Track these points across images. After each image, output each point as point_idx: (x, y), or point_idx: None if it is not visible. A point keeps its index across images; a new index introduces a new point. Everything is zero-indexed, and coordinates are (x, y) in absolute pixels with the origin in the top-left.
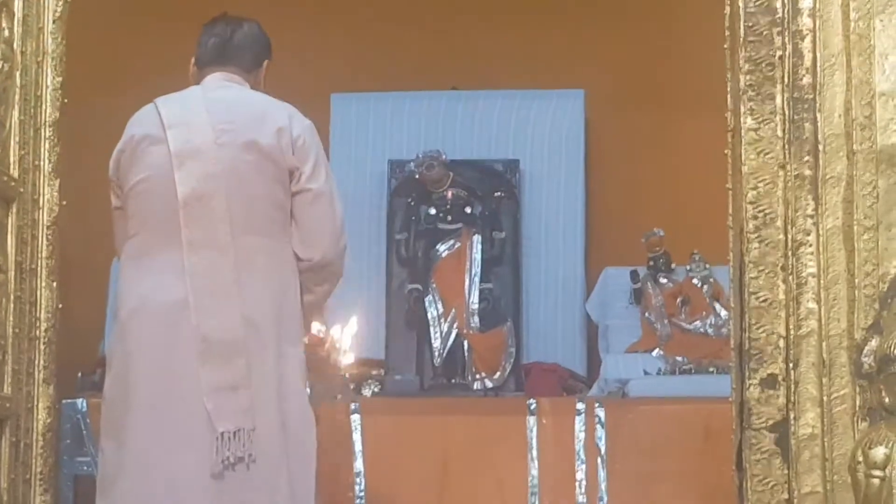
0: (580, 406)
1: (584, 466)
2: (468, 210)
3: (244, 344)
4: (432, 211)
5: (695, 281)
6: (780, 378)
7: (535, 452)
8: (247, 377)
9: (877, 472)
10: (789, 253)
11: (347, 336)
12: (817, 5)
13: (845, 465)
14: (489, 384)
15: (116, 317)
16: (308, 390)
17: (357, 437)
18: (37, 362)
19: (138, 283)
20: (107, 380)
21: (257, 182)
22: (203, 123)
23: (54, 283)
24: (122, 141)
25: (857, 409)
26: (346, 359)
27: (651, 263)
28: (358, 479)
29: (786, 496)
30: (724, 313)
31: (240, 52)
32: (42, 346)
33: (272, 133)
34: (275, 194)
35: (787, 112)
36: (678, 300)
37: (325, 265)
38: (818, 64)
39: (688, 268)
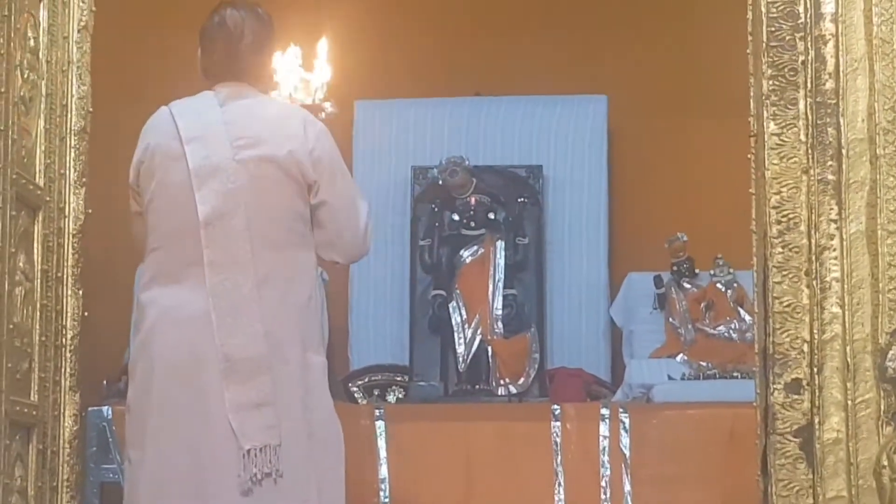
0: (605, 411)
1: (608, 471)
2: (492, 216)
3: (267, 361)
4: (456, 217)
5: (718, 285)
6: (804, 383)
7: (559, 458)
8: (271, 394)
9: None
10: (813, 257)
11: None
12: (840, 10)
13: (870, 470)
14: (513, 390)
15: (138, 329)
16: None
17: (381, 443)
18: (63, 370)
19: (160, 297)
20: (129, 391)
21: (276, 196)
22: (220, 138)
23: (80, 291)
24: (141, 150)
25: (882, 413)
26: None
27: (675, 268)
28: (382, 486)
29: (811, 501)
30: (748, 318)
31: (246, 66)
32: (68, 354)
33: (288, 146)
34: (294, 206)
35: (810, 117)
36: (702, 305)
37: (349, 263)
38: (841, 68)
39: (711, 272)
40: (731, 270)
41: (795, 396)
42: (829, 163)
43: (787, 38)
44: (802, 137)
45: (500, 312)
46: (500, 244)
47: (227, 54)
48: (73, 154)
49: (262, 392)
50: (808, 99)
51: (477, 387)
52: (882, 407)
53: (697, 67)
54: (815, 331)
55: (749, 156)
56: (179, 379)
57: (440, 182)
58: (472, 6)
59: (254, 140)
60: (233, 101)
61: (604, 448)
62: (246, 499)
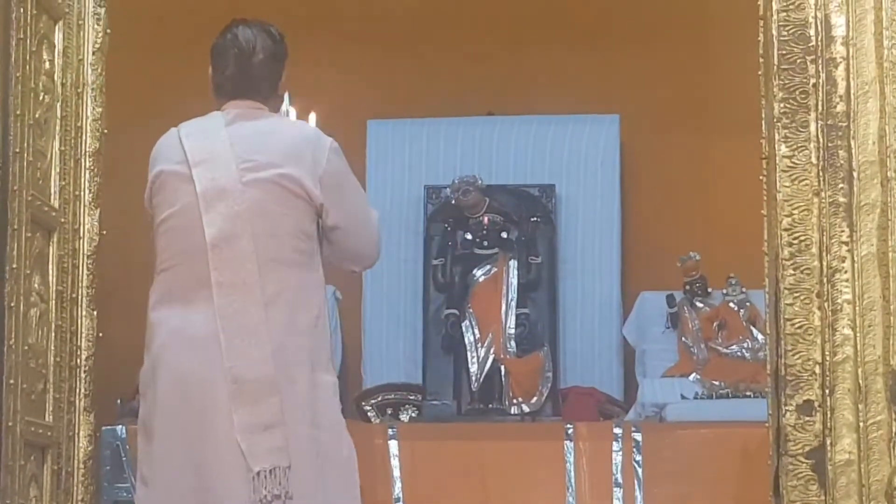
0: (617, 430)
1: (621, 490)
2: (504, 235)
3: (276, 382)
4: (469, 236)
5: (731, 305)
6: (816, 404)
7: (572, 477)
8: (280, 415)
9: None
10: (825, 279)
11: None
12: (851, 33)
13: (882, 491)
14: (526, 409)
15: (148, 350)
16: None
17: (395, 462)
18: (77, 391)
19: (169, 318)
20: (141, 410)
21: (283, 217)
22: (227, 160)
23: (94, 312)
24: (152, 174)
25: (894, 434)
26: None
27: (687, 287)
28: None
29: None
30: (760, 337)
31: (257, 83)
32: (83, 375)
33: (295, 168)
34: (301, 226)
35: (821, 139)
36: (715, 324)
37: (364, 270)
38: (852, 91)
39: (724, 291)
40: (744, 290)
41: (807, 418)
42: (841, 185)
43: (799, 61)
44: (814, 160)
45: (512, 331)
46: (513, 263)
47: (238, 71)
48: (87, 175)
49: (270, 413)
50: (820, 122)
51: (490, 406)
52: (894, 428)
53: (710, 87)
54: (827, 353)
55: (761, 177)
56: (188, 400)
57: (453, 201)
58: (484, 26)
59: (260, 162)
60: (241, 121)
61: (617, 467)
62: None
